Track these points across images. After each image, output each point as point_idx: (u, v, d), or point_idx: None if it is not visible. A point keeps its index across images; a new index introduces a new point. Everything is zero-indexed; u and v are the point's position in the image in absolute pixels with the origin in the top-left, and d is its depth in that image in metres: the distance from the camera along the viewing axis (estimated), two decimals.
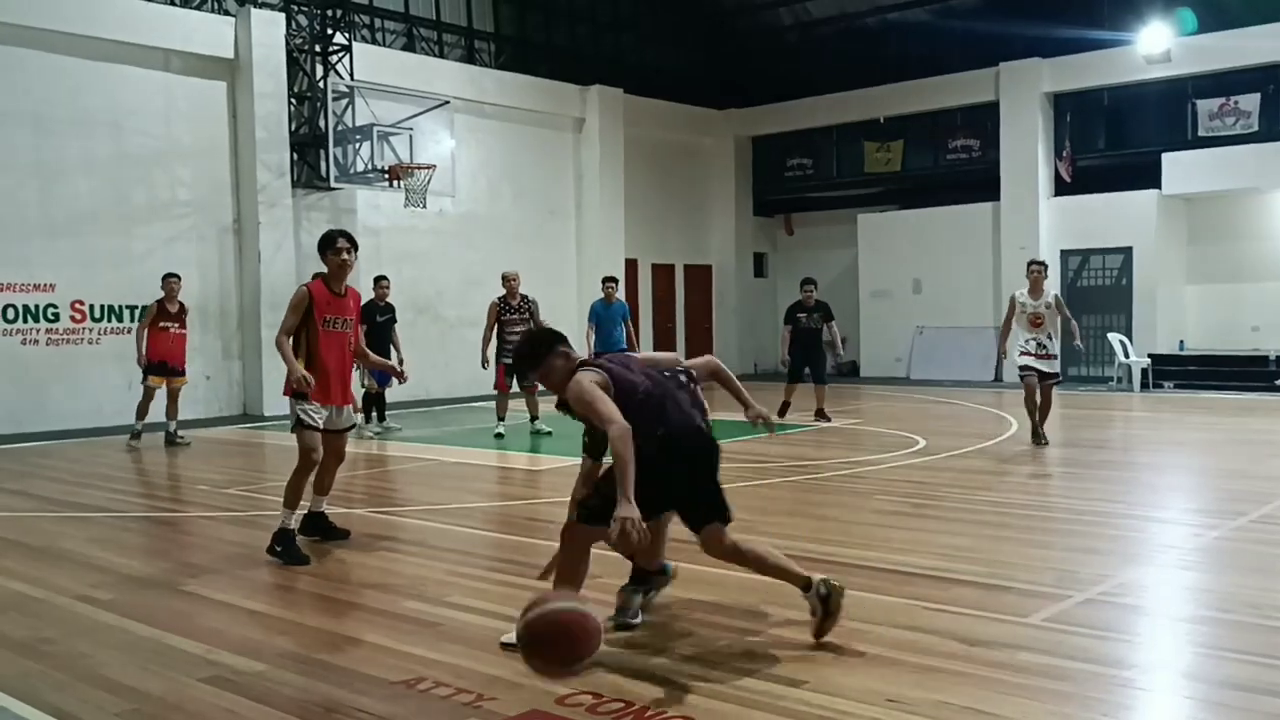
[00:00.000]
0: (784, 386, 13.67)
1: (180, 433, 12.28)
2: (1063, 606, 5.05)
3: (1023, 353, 10.60)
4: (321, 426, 6.46)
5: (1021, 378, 10.67)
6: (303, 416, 6.38)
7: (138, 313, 13.35)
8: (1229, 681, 4.04)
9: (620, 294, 14.33)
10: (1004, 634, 4.63)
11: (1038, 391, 10.61)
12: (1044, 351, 10.62)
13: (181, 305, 12.24)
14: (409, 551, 6.59)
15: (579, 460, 4.98)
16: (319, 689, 4.10)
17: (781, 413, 13.04)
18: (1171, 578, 5.83)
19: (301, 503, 6.52)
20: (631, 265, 21.35)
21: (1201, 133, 18.33)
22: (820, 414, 13.30)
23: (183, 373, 12.34)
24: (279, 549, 6.27)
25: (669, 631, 4.76)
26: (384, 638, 4.78)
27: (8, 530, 7.44)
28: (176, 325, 12.15)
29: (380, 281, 13.00)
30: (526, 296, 12.52)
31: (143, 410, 12.14)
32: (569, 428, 5.43)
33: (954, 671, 4.15)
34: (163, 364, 12.04)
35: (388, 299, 12.91)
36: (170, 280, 12.09)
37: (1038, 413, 10.69)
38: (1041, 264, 10.98)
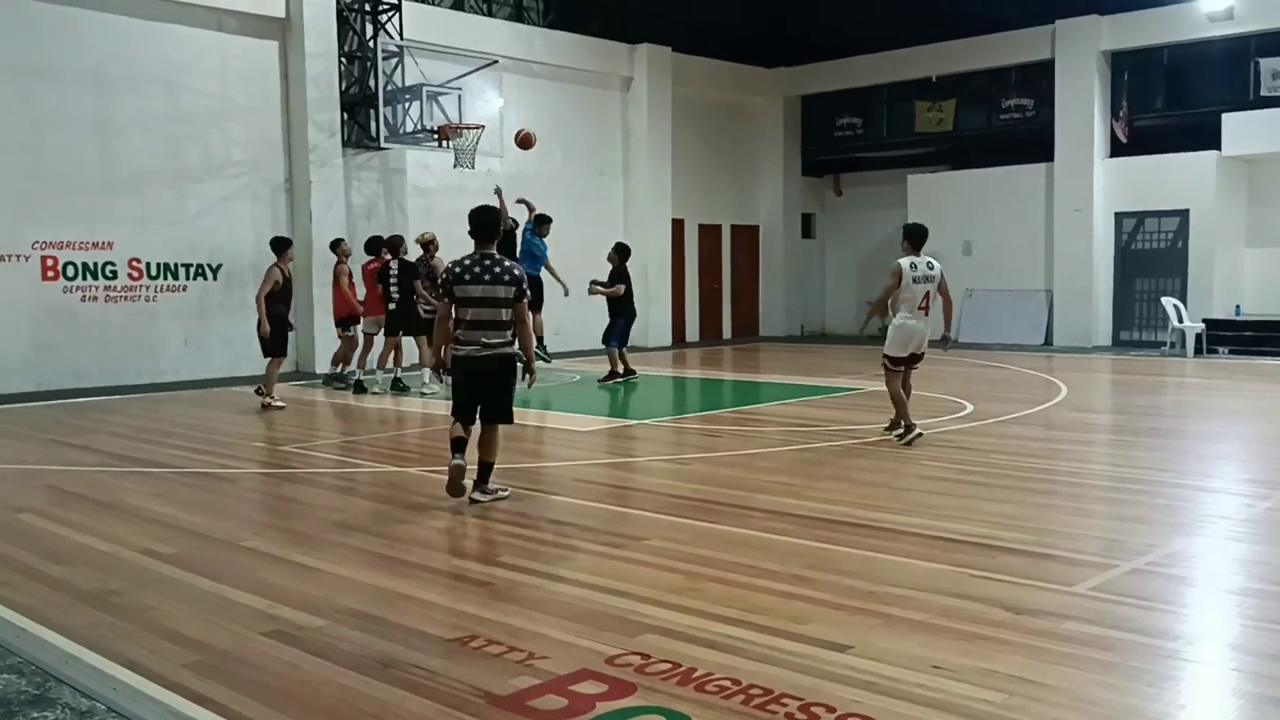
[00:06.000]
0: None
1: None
2: (1109, 576, 5.06)
3: None
4: None
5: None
6: None
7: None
8: (1278, 655, 4.04)
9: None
10: (1050, 603, 4.65)
11: None
12: None
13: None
14: (460, 511, 6.71)
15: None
16: (376, 645, 4.23)
17: None
18: (1221, 549, 5.81)
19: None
20: (679, 225, 21.31)
21: (1264, 92, 17.84)
22: None
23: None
24: None
25: (716, 595, 4.84)
26: (437, 596, 4.92)
27: (74, 484, 7.68)
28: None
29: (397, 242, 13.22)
30: None
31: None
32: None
33: (999, 639, 4.19)
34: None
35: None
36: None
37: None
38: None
